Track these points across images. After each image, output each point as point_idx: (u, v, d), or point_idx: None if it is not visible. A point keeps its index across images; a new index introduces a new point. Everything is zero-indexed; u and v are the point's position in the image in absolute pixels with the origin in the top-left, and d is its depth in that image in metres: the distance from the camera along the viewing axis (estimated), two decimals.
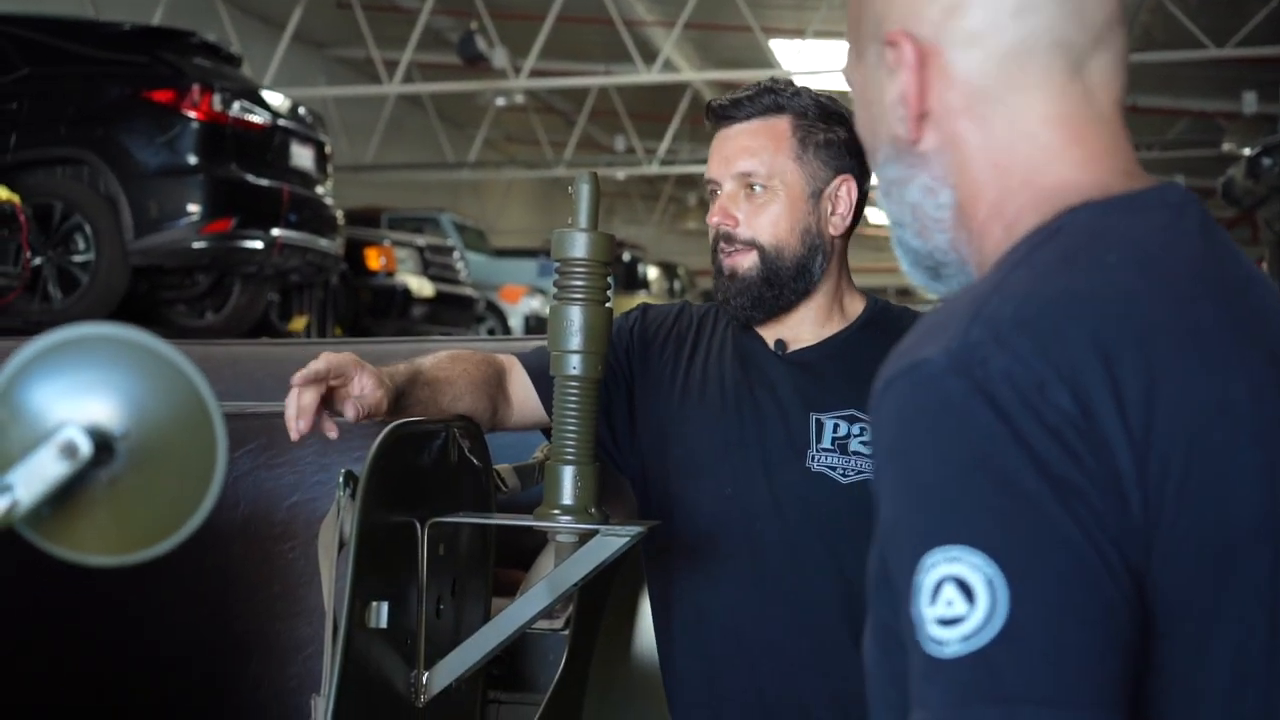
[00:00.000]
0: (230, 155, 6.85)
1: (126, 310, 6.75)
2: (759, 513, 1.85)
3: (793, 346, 1.93)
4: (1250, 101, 14.49)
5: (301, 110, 7.71)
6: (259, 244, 6.97)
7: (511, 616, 1.69)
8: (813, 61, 14.80)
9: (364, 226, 11.42)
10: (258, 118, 7.12)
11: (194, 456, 0.77)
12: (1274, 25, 12.59)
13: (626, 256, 16.43)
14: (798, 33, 14.73)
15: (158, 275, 7.09)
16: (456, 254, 12.00)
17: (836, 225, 1.90)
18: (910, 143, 0.93)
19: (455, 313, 11.43)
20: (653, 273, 18.17)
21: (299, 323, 8.43)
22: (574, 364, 1.67)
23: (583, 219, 1.66)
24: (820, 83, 2.12)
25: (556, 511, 1.66)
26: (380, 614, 1.61)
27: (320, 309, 8.69)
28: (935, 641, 0.75)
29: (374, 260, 10.17)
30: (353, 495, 1.57)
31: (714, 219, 1.91)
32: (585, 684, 2.18)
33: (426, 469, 1.74)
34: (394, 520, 1.67)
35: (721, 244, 1.90)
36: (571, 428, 1.67)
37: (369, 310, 10.06)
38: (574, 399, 1.67)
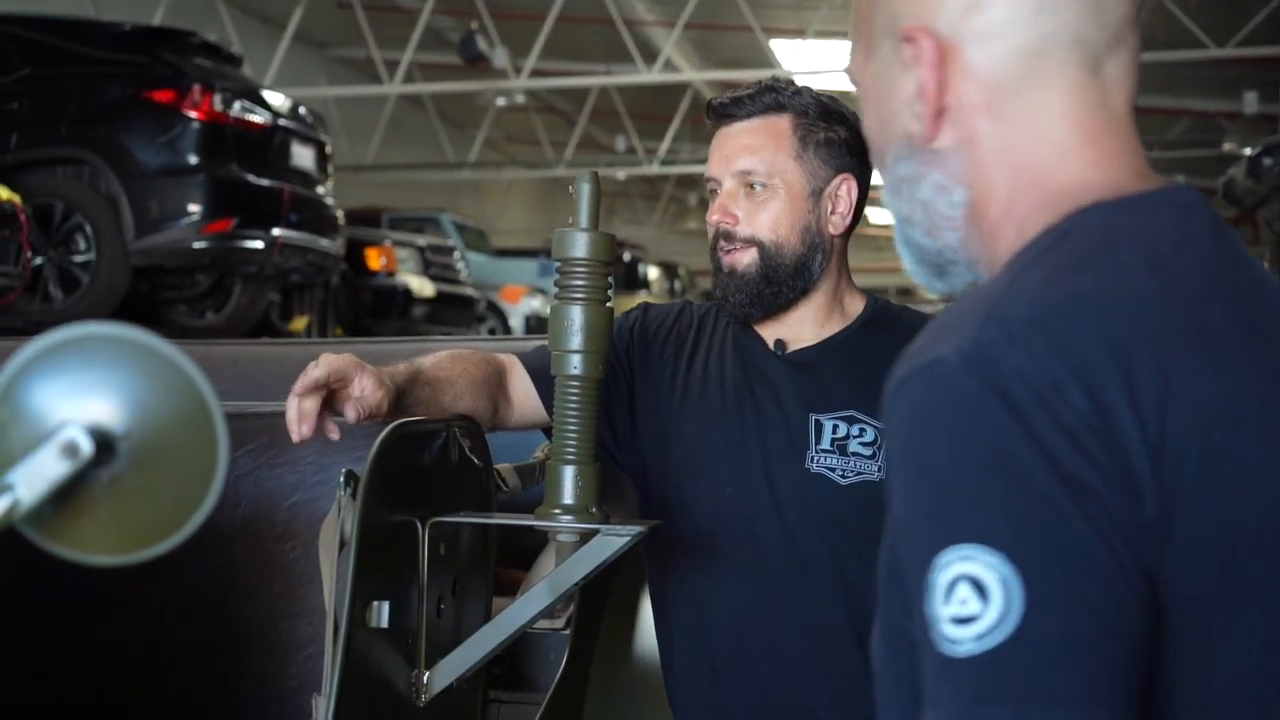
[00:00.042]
0: (231, 155, 6.86)
1: (127, 310, 6.75)
2: (759, 513, 1.85)
3: (793, 346, 1.93)
4: (1251, 101, 14.50)
5: (302, 110, 7.71)
6: (260, 244, 6.97)
7: (512, 616, 1.69)
8: (813, 61, 14.79)
9: (365, 226, 11.41)
10: (258, 118, 7.12)
11: (195, 456, 0.77)
12: (1275, 25, 12.59)
13: (627, 256, 16.41)
14: (798, 33, 14.74)
15: (158, 275, 7.09)
16: (457, 254, 12.00)
17: (836, 224, 1.90)
18: (925, 140, 0.93)
19: (456, 313, 11.43)
20: (653, 273, 18.16)
21: (300, 323, 8.43)
22: (575, 363, 1.67)
23: (583, 219, 1.65)
24: (821, 82, 2.12)
25: (557, 511, 1.66)
26: (381, 613, 1.61)
27: (321, 309, 8.69)
28: (949, 640, 0.75)
29: (375, 260, 10.17)
30: (353, 495, 1.58)
31: (714, 217, 1.90)
32: (586, 684, 2.18)
33: (427, 469, 1.74)
34: (395, 520, 1.67)
35: (721, 242, 1.90)
36: (572, 427, 1.67)
37: (370, 310, 10.06)
38: (575, 398, 1.67)
